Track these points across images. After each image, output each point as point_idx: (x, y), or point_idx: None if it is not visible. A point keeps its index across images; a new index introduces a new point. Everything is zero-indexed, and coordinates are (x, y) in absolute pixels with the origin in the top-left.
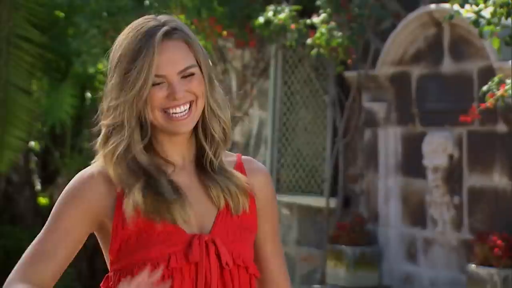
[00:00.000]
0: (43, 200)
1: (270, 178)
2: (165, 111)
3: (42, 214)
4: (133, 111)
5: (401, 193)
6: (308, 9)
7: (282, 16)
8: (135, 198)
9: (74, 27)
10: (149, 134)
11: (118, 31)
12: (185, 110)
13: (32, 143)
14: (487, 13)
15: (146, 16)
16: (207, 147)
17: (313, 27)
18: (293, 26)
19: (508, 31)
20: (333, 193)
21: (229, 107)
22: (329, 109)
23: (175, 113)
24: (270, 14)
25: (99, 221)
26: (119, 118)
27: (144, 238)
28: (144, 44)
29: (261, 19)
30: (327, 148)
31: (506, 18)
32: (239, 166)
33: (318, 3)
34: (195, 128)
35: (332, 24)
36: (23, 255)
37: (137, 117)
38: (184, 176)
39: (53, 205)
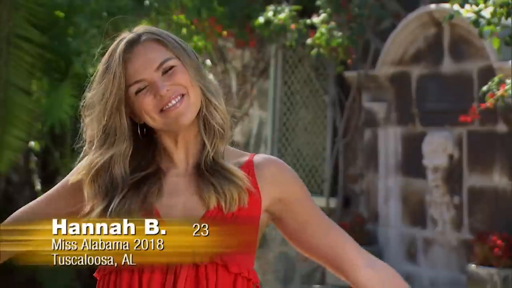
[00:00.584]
0: None
1: (284, 166)
2: (161, 111)
3: None
4: (113, 127)
5: (401, 193)
6: (308, 9)
7: (282, 16)
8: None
9: (74, 27)
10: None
11: (118, 31)
12: (177, 101)
13: (32, 143)
14: (487, 13)
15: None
16: (206, 139)
17: (313, 27)
18: (293, 26)
19: (508, 31)
20: (333, 193)
21: (224, 98)
22: (329, 109)
23: (168, 108)
24: (270, 14)
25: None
26: (98, 135)
27: None
28: (112, 60)
29: (261, 19)
30: (327, 148)
31: (506, 18)
32: (248, 165)
33: (318, 3)
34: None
35: (332, 24)
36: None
37: (124, 134)
38: (184, 177)
39: None
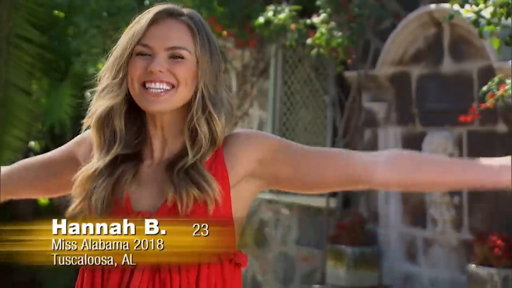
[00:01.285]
0: (43, 200)
1: (247, 132)
2: (143, 84)
3: (42, 214)
4: (118, 75)
5: (401, 193)
6: (308, 9)
7: (282, 16)
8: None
9: (74, 27)
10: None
11: (119, 31)
12: (162, 89)
13: (32, 143)
14: (487, 13)
15: None
16: (188, 146)
17: (313, 27)
18: (293, 26)
19: (508, 31)
20: (333, 193)
21: (232, 114)
22: (329, 109)
23: (151, 88)
24: (270, 14)
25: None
26: (106, 82)
27: None
28: (143, 16)
29: (261, 19)
30: None
31: (506, 18)
32: (218, 151)
33: (318, 3)
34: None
35: (332, 24)
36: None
37: (123, 85)
38: (154, 170)
39: (53, 205)
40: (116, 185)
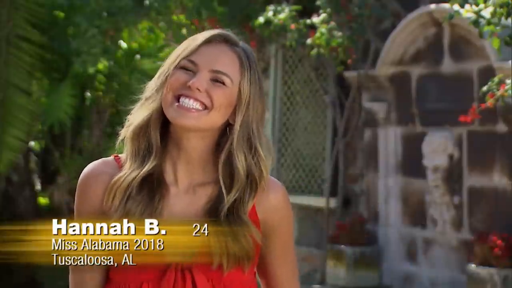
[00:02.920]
0: (43, 200)
1: (286, 196)
2: (177, 97)
3: (42, 214)
4: (162, 86)
5: (401, 193)
6: (308, 9)
7: (282, 16)
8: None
9: (74, 27)
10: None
11: (118, 31)
12: (195, 107)
13: (32, 143)
14: (487, 13)
15: None
16: (221, 181)
17: (313, 27)
18: (293, 26)
19: (508, 31)
20: (333, 193)
21: (273, 157)
22: (329, 109)
23: (184, 102)
24: (270, 14)
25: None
26: (150, 93)
27: None
28: (199, 35)
29: (261, 19)
30: (327, 148)
31: (506, 18)
32: None
33: (318, 3)
34: (225, 158)
35: (332, 24)
36: None
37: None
38: (183, 201)
39: (53, 205)
40: (149, 207)
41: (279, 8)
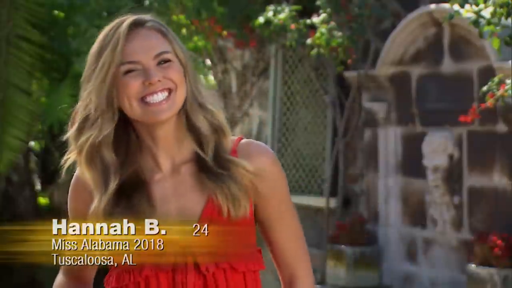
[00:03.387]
0: (43, 200)
1: (273, 158)
2: (142, 99)
3: (42, 214)
4: (103, 102)
5: (401, 193)
6: (308, 9)
7: (282, 16)
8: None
9: (74, 27)
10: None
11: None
12: (163, 98)
13: (32, 143)
14: (487, 13)
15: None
16: (202, 138)
17: (313, 27)
18: (293, 26)
19: (508, 31)
20: (333, 193)
21: (222, 102)
22: (329, 109)
23: (153, 100)
24: (270, 14)
25: None
26: (88, 110)
27: None
28: (112, 34)
29: (261, 19)
30: (327, 148)
31: (506, 18)
32: (232, 154)
33: (318, 3)
34: (187, 127)
35: (332, 24)
36: None
37: (112, 111)
38: (170, 182)
39: (53, 205)
40: (134, 218)
41: (279, 8)
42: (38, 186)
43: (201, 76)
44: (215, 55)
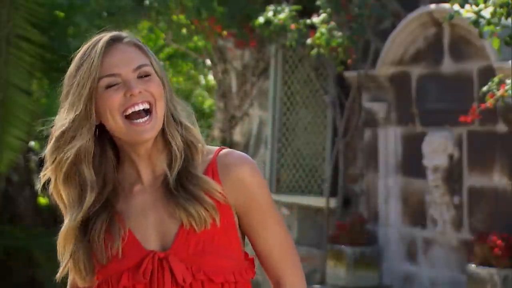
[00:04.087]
0: (43, 200)
1: (251, 168)
2: (126, 117)
3: (42, 214)
4: (81, 118)
5: (401, 193)
6: (308, 9)
7: (282, 16)
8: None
9: (74, 27)
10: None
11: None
12: (144, 110)
13: (32, 143)
14: (487, 13)
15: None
16: (175, 153)
17: (313, 27)
18: (293, 26)
19: (508, 31)
20: (333, 193)
21: (195, 117)
22: (329, 109)
23: (136, 119)
24: (270, 14)
25: None
26: (65, 126)
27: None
28: (89, 51)
29: (261, 19)
30: (327, 148)
31: (506, 18)
32: (212, 165)
33: (318, 3)
34: (162, 142)
35: (332, 24)
36: None
37: (89, 127)
38: (150, 194)
39: (53, 205)
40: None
41: (279, 8)
42: (38, 186)
43: (201, 76)
44: (215, 55)
